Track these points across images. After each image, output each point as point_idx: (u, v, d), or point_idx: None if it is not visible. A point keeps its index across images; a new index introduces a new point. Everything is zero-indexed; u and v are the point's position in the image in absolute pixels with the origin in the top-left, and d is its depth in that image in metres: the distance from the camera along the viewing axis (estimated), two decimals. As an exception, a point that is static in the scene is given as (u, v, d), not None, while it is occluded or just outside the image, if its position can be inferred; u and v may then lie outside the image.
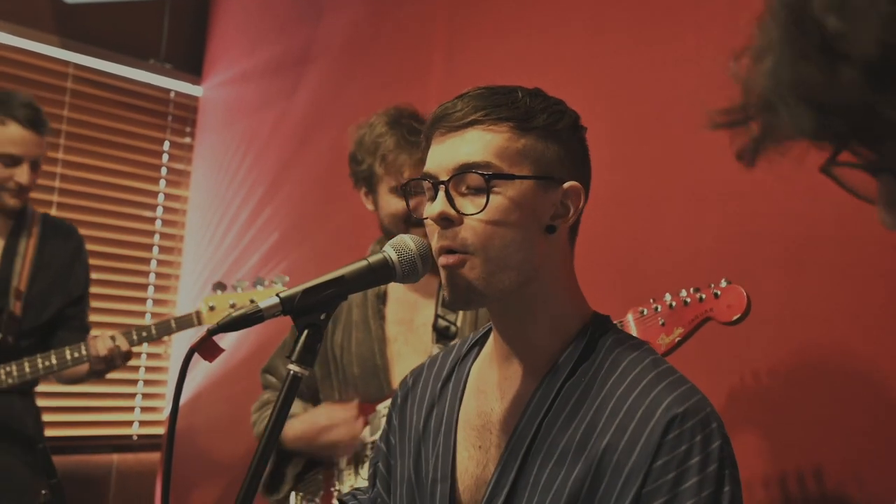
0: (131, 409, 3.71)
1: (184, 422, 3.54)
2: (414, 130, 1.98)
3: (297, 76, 3.40)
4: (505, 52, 2.63)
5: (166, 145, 3.82)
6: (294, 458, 2.08)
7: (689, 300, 1.69)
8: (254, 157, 3.57)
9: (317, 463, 2.08)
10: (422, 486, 1.21)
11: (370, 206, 2.09)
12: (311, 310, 1.04)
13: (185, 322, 2.46)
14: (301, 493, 2.07)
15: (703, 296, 1.68)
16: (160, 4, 3.75)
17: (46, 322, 2.59)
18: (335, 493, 2.02)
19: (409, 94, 2.89)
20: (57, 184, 3.43)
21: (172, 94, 3.82)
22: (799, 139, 0.62)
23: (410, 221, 1.94)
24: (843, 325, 1.82)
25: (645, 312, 1.74)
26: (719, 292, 1.66)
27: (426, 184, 1.13)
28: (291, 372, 1.02)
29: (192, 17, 3.87)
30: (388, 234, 1.98)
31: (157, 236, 3.79)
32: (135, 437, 3.69)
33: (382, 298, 2.08)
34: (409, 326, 2.06)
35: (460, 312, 2.02)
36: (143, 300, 3.74)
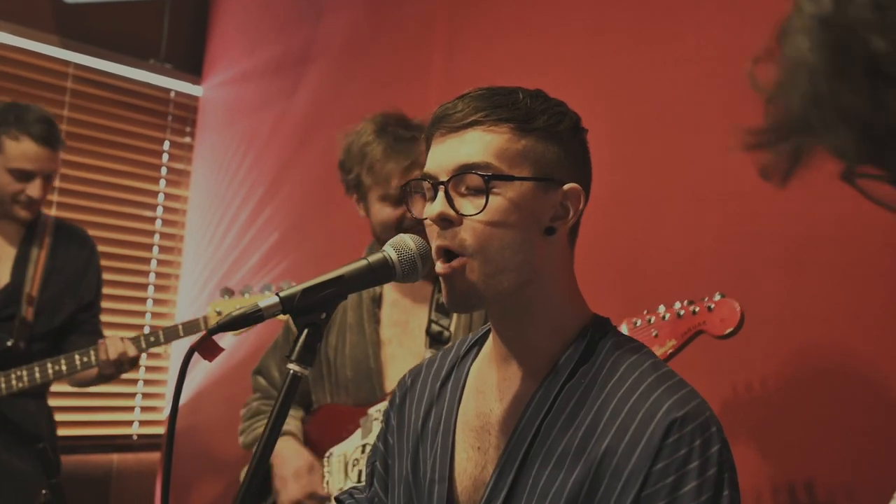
0: (131, 409, 3.71)
1: (184, 421, 3.54)
2: (400, 138, 1.97)
3: (297, 76, 3.40)
4: (505, 52, 2.63)
5: (166, 145, 3.82)
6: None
7: (682, 312, 1.70)
8: (254, 157, 3.57)
9: None
10: (419, 487, 1.21)
11: (362, 213, 2.09)
12: (310, 309, 1.04)
13: (192, 327, 2.47)
14: None
15: (697, 308, 1.68)
16: (160, 4, 3.75)
17: (58, 327, 2.62)
18: None
19: (409, 94, 2.89)
20: (57, 184, 3.42)
21: (172, 94, 3.82)
22: (838, 160, 0.60)
23: (402, 229, 1.93)
24: (843, 325, 1.82)
25: (638, 323, 1.74)
26: (713, 305, 1.66)
27: (426, 184, 1.13)
28: (291, 371, 1.02)
29: (192, 17, 3.87)
30: (380, 241, 1.98)
31: (157, 236, 3.79)
32: (135, 437, 3.69)
33: (377, 301, 2.08)
34: (403, 329, 2.05)
35: (454, 317, 2.02)
36: (142, 300, 3.74)
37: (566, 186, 1.12)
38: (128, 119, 3.66)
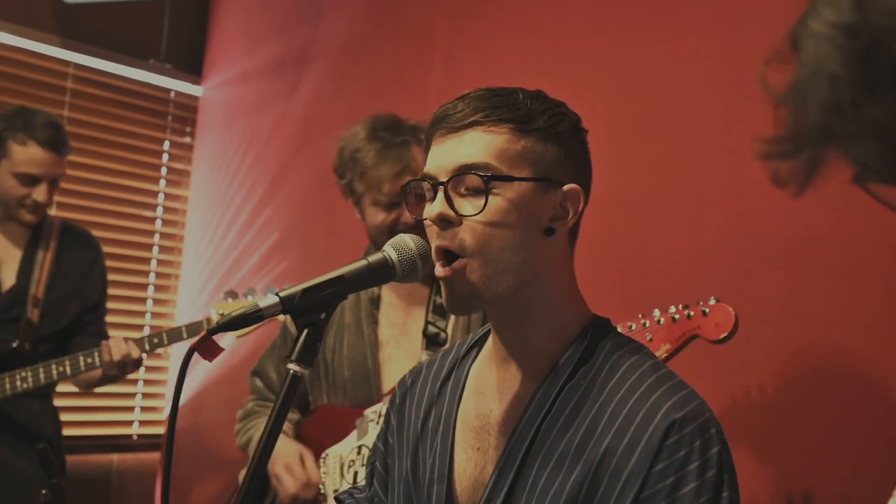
0: (131, 408, 3.71)
1: (184, 421, 3.54)
2: (391, 143, 1.97)
3: (297, 76, 3.40)
4: (505, 52, 2.63)
5: (166, 145, 3.82)
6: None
7: (677, 317, 1.69)
8: (254, 157, 3.57)
9: None
10: (419, 487, 1.21)
11: (358, 216, 2.09)
12: (310, 309, 1.04)
13: (195, 329, 2.47)
14: None
15: (692, 313, 1.68)
16: (160, 4, 3.75)
17: (64, 328, 2.64)
18: None
19: (409, 94, 2.89)
20: (57, 184, 3.43)
21: (172, 94, 3.82)
22: (857, 170, 0.59)
23: (395, 233, 1.93)
24: (843, 325, 1.82)
25: (633, 327, 1.74)
26: (707, 310, 1.66)
27: (426, 184, 1.13)
28: (291, 371, 1.02)
29: (192, 17, 3.87)
30: (376, 245, 1.98)
31: (157, 236, 3.79)
32: (135, 437, 3.69)
33: (376, 302, 2.08)
34: (401, 330, 2.05)
35: (451, 319, 2.02)
36: (143, 300, 3.74)
37: (566, 187, 1.12)
38: (128, 119, 3.66)
